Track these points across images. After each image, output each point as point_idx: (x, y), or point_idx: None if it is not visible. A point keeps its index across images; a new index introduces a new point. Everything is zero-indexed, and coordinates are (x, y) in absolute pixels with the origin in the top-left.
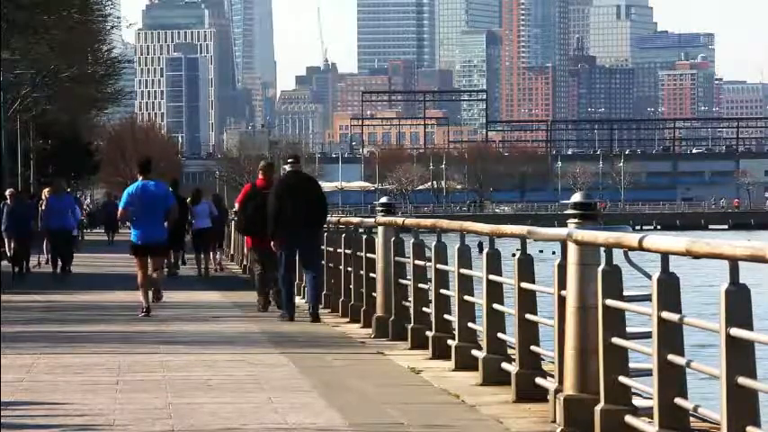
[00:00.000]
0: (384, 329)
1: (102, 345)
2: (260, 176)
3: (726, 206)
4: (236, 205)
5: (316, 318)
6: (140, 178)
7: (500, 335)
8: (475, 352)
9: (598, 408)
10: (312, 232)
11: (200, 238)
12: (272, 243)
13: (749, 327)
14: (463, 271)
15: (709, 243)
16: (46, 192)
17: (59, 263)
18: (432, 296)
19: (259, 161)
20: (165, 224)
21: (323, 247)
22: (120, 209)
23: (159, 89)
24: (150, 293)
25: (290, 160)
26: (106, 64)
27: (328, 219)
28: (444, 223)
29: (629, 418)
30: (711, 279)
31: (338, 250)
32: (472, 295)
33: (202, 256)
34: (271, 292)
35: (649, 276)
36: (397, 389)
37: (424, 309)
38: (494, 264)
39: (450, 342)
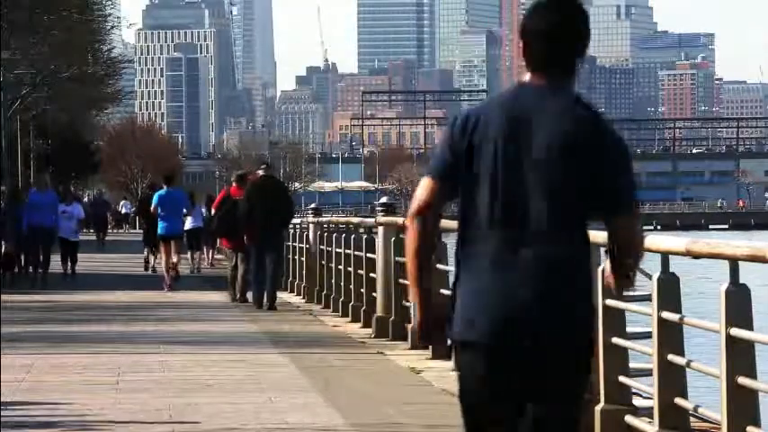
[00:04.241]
0: (384, 329)
1: (102, 345)
2: (234, 185)
3: (725, 206)
4: (213, 210)
5: (272, 307)
6: (165, 187)
7: None
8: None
9: (598, 408)
10: (279, 231)
11: (192, 236)
12: (244, 238)
13: (749, 327)
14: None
15: (709, 243)
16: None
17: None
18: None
19: (258, 161)
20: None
21: (322, 247)
22: (152, 207)
23: (159, 89)
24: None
25: (262, 166)
26: (106, 64)
27: (327, 219)
28: (444, 223)
29: (629, 418)
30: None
31: (338, 250)
32: None
33: (197, 253)
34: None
35: (649, 276)
36: (397, 389)
37: None
38: None
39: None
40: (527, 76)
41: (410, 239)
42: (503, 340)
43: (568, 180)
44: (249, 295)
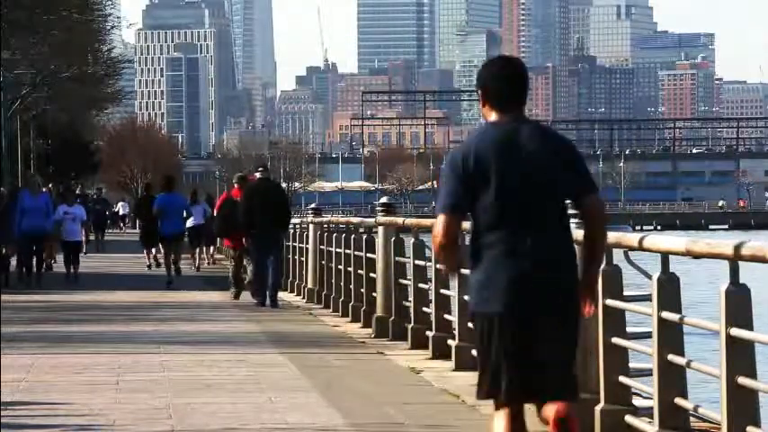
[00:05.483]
0: (384, 329)
1: (102, 345)
2: (235, 187)
3: (726, 206)
4: (215, 211)
5: (274, 304)
6: (164, 191)
7: None
8: (475, 352)
9: (598, 408)
10: (277, 232)
11: (194, 234)
12: (243, 239)
13: (749, 327)
14: (463, 271)
15: (709, 243)
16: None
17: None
18: (432, 296)
19: (259, 161)
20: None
21: (322, 247)
22: (154, 209)
23: (159, 89)
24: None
25: (260, 169)
26: (106, 64)
27: (327, 219)
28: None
29: (629, 418)
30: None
31: (338, 250)
32: None
33: (197, 251)
34: (245, 284)
35: (649, 276)
36: (397, 389)
37: (424, 309)
38: None
39: (450, 342)
40: (493, 116)
41: (442, 265)
42: (512, 308)
43: (549, 182)
44: (247, 294)
